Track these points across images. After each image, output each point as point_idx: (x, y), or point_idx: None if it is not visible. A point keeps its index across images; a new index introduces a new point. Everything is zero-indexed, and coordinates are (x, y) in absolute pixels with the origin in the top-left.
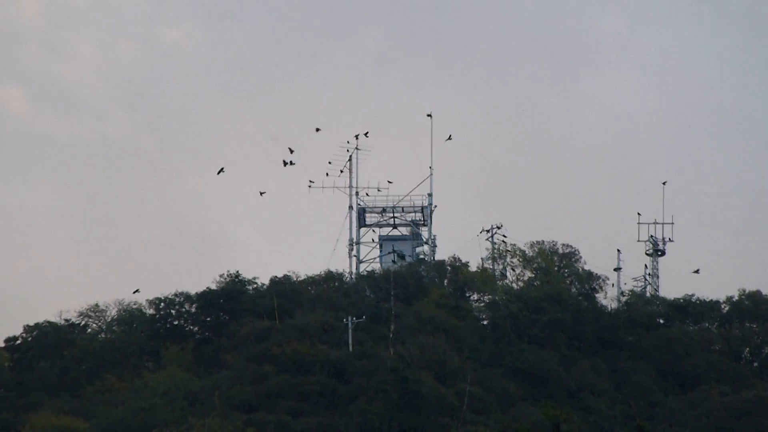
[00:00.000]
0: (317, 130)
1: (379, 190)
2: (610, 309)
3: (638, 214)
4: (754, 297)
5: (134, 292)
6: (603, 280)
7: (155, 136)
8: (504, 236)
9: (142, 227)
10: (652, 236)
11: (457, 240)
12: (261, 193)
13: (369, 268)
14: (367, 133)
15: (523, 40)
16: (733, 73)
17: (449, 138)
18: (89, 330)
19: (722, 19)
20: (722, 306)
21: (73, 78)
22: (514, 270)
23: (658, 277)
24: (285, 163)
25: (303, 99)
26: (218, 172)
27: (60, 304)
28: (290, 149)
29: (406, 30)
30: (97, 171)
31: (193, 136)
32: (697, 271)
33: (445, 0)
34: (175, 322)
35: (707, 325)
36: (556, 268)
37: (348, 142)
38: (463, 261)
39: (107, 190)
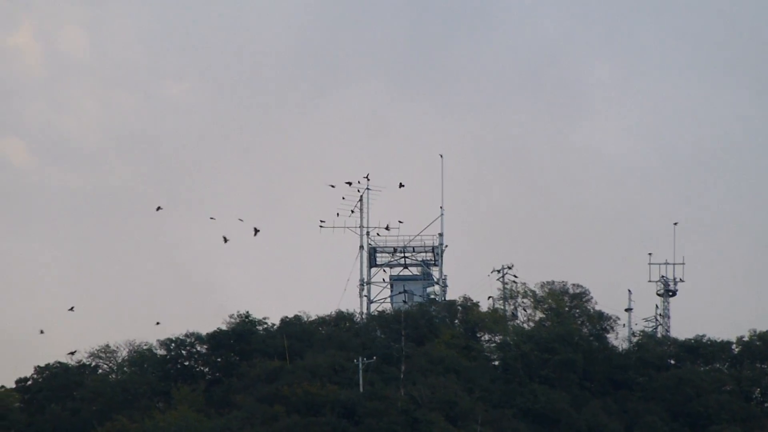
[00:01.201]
0: (331, 186)
1: (388, 229)
2: (621, 349)
3: (649, 254)
4: (765, 338)
5: (156, 324)
6: (614, 320)
7: (155, 186)
8: (515, 276)
9: (144, 274)
10: (663, 276)
11: (468, 280)
12: (255, 231)
13: (380, 309)
14: (368, 175)
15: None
16: (731, 119)
17: (441, 156)
18: (100, 371)
19: (716, 65)
20: (733, 347)
21: (74, 130)
22: (525, 310)
23: (669, 317)
24: (256, 231)
25: (306, 149)
26: (255, 234)
27: (71, 345)
28: (255, 229)
29: (402, 81)
30: (98, 220)
31: (192, 187)
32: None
33: (439, 51)
34: (186, 363)
35: (718, 365)
36: (566, 309)
37: (359, 182)
38: (474, 301)
39: (108, 238)
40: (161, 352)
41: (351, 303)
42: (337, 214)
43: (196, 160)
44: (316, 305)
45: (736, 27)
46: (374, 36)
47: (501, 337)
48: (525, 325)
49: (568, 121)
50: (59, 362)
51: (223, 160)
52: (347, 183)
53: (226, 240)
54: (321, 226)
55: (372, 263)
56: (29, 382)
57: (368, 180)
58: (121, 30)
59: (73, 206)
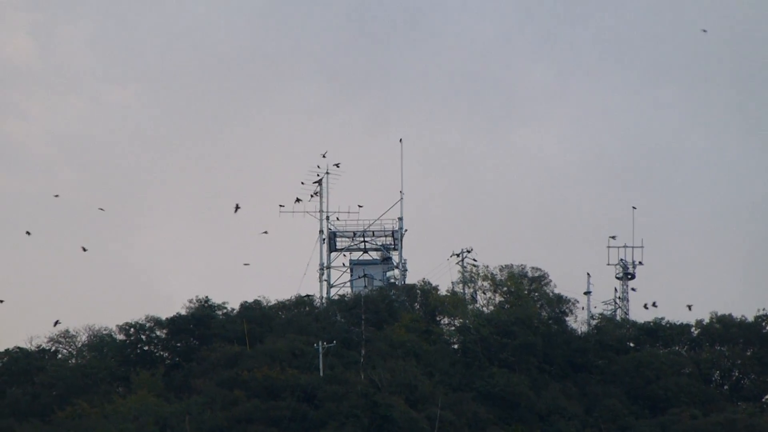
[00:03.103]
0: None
1: (349, 214)
2: (580, 332)
3: (611, 237)
4: (724, 320)
5: (55, 324)
6: (573, 303)
7: (102, 192)
8: (474, 260)
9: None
10: (622, 259)
11: (428, 264)
12: (236, 207)
13: (340, 293)
14: (325, 154)
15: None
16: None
17: (401, 141)
18: (60, 356)
19: (650, 68)
20: (692, 329)
21: (21, 135)
22: (484, 294)
23: (628, 300)
24: (237, 208)
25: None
26: (235, 210)
27: (30, 330)
28: (237, 206)
29: (343, 81)
30: (47, 223)
31: (140, 190)
32: (654, 305)
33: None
34: (146, 348)
35: (677, 348)
36: (526, 292)
37: (318, 166)
38: (434, 285)
39: (57, 240)
40: (120, 337)
41: (311, 288)
42: (297, 199)
43: (146, 161)
44: (276, 290)
45: (668, 28)
46: (315, 38)
47: (460, 320)
48: (484, 309)
49: (507, 122)
50: (19, 347)
51: (174, 159)
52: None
53: (237, 207)
54: (280, 212)
55: (332, 248)
56: None
57: (324, 158)
58: (67, 35)
59: (22, 211)
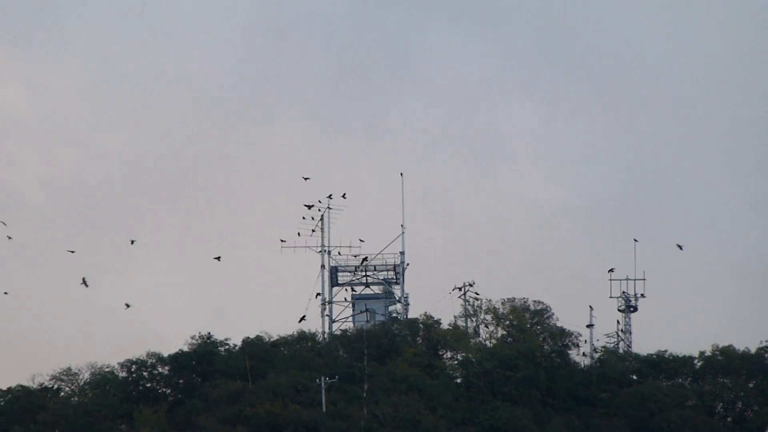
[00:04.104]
0: (305, 179)
1: (351, 249)
2: (583, 366)
3: (610, 270)
4: (726, 352)
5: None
6: (576, 336)
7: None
8: (476, 293)
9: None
10: (624, 292)
11: (430, 298)
12: (218, 258)
13: (342, 328)
14: (330, 195)
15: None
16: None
17: (402, 174)
18: (62, 393)
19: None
20: (695, 361)
21: (14, 183)
22: (486, 327)
23: (630, 333)
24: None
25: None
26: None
27: (33, 368)
28: (217, 258)
29: (328, 119)
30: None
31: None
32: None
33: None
34: (148, 385)
35: (680, 380)
36: (528, 325)
37: (320, 201)
38: (436, 319)
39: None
40: (123, 374)
41: (313, 323)
42: (298, 233)
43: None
44: (278, 325)
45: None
46: (303, 79)
47: (463, 354)
48: (487, 343)
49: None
50: (21, 385)
51: (168, 202)
52: (306, 206)
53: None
54: (282, 247)
55: (333, 282)
56: None
57: (330, 199)
58: (59, 84)
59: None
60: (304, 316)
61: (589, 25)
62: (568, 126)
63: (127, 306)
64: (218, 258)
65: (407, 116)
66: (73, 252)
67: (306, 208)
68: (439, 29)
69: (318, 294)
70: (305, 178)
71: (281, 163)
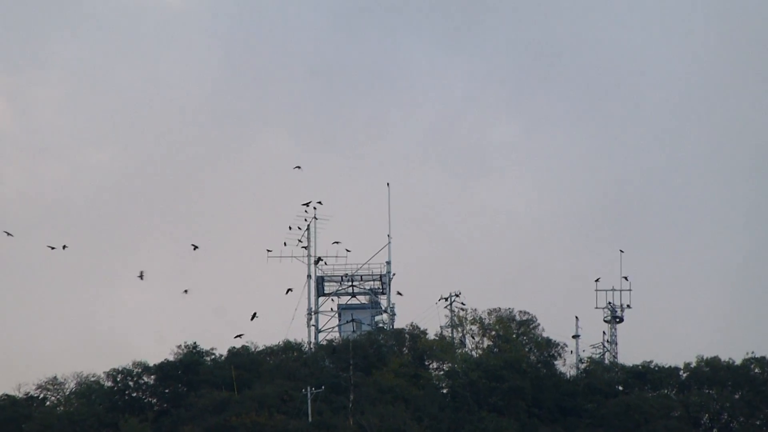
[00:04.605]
0: (298, 166)
1: (337, 258)
2: (569, 376)
3: (596, 281)
4: (712, 363)
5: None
6: (561, 347)
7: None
8: (462, 304)
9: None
10: (610, 303)
11: (416, 308)
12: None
13: (328, 338)
14: (320, 201)
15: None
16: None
17: (388, 185)
18: (48, 403)
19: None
20: (681, 372)
21: None
22: (473, 337)
23: (616, 343)
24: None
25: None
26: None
27: (19, 377)
28: (194, 245)
29: (316, 130)
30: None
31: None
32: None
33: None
34: (134, 394)
35: (666, 391)
36: (514, 335)
37: (306, 210)
38: (422, 329)
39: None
40: (108, 383)
41: (299, 333)
42: (285, 243)
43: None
44: (263, 335)
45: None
46: (289, 93)
47: (449, 365)
48: (473, 353)
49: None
50: (6, 395)
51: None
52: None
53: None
54: (268, 257)
55: (320, 292)
56: None
57: (320, 204)
58: (42, 99)
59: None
60: (290, 289)
61: (572, 38)
62: (551, 139)
63: (185, 291)
64: (195, 246)
65: (393, 128)
66: (65, 247)
67: (303, 206)
68: (422, 43)
69: (289, 289)
70: (297, 167)
71: (267, 176)
